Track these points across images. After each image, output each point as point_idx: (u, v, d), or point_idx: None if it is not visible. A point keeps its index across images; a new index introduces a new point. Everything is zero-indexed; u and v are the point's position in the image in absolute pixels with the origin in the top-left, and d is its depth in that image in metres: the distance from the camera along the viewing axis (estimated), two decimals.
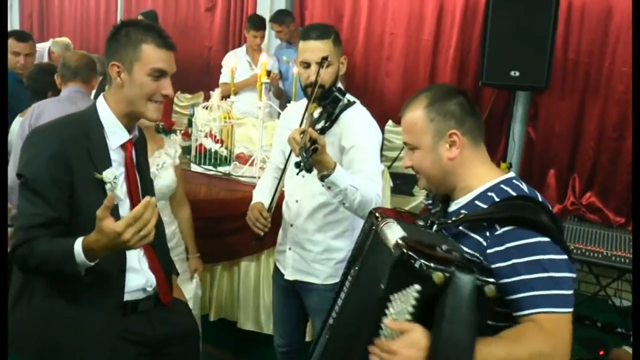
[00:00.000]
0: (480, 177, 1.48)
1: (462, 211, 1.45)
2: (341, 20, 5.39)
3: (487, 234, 1.35)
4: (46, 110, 2.85)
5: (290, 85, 4.33)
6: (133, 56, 1.69)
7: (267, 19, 5.37)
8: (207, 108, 3.64)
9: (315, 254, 2.30)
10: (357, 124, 2.18)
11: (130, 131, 1.80)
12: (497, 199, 1.40)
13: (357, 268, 1.50)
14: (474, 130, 1.49)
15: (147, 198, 1.47)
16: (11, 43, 3.82)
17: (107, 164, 1.70)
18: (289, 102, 3.40)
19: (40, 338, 1.70)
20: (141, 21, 1.77)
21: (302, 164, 1.81)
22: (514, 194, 1.40)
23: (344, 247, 2.28)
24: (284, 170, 2.26)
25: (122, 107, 1.74)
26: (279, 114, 2.95)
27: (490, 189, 1.45)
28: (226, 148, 3.52)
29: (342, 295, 1.52)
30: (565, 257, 1.32)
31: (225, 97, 4.04)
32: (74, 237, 1.55)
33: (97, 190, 1.66)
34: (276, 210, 2.32)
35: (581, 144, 4.47)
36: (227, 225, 3.10)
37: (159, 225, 1.79)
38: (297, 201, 2.31)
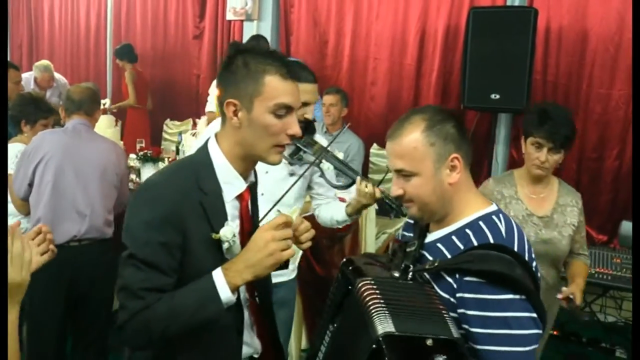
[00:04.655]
0: (469, 206, 1.43)
1: (439, 245, 1.43)
2: (326, 45, 5.50)
3: (457, 276, 1.33)
4: (46, 141, 2.87)
5: None
6: (253, 91, 1.41)
7: None
8: (194, 135, 3.71)
9: None
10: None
11: (246, 178, 1.53)
12: (473, 240, 1.37)
13: (335, 325, 1.50)
14: (468, 154, 1.44)
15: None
16: None
17: (223, 219, 1.46)
18: None
19: None
20: (259, 47, 1.49)
21: (396, 208, 2.08)
22: (490, 237, 1.36)
23: None
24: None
25: (238, 150, 1.48)
26: None
27: (469, 225, 1.40)
28: None
29: (323, 349, 1.53)
30: (533, 315, 1.30)
31: None
32: None
33: (213, 250, 1.44)
34: None
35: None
36: None
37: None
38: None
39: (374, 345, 1.19)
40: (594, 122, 4.37)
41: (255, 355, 1.64)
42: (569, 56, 4.40)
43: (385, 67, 5.20)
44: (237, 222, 1.52)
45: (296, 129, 1.46)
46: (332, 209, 2.47)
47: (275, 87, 1.42)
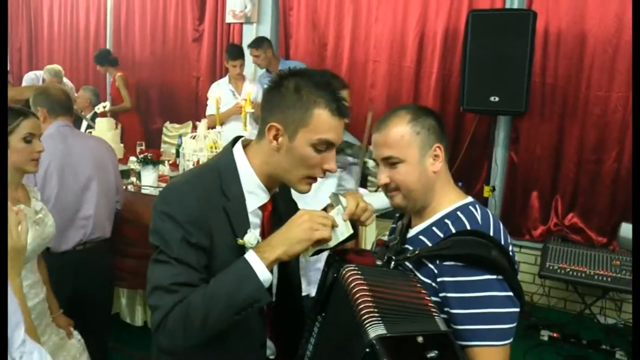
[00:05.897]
0: (447, 198, 1.52)
1: (421, 237, 1.50)
2: (325, 48, 5.51)
3: (437, 262, 1.40)
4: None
5: None
6: (300, 120, 1.40)
7: None
8: (194, 138, 3.71)
9: None
10: None
11: (270, 190, 1.54)
12: (452, 229, 1.44)
13: (323, 315, 1.52)
14: (447, 148, 1.54)
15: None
16: None
17: (246, 226, 1.47)
18: None
19: None
20: (312, 74, 1.46)
21: None
22: (467, 224, 1.43)
23: None
24: None
25: (268, 169, 1.48)
26: None
27: (447, 216, 1.48)
28: None
29: (312, 340, 1.54)
30: (509, 293, 1.37)
31: (211, 128, 4.11)
32: None
33: (236, 255, 1.42)
34: None
35: (562, 167, 4.56)
36: None
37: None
38: None
39: (367, 349, 1.19)
40: (592, 125, 4.38)
41: (272, 357, 1.65)
42: (568, 59, 4.41)
43: (384, 70, 5.21)
44: (259, 230, 1.52)
45: (333, 166, 1.45)
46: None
47: (323, 121, 1.40)
